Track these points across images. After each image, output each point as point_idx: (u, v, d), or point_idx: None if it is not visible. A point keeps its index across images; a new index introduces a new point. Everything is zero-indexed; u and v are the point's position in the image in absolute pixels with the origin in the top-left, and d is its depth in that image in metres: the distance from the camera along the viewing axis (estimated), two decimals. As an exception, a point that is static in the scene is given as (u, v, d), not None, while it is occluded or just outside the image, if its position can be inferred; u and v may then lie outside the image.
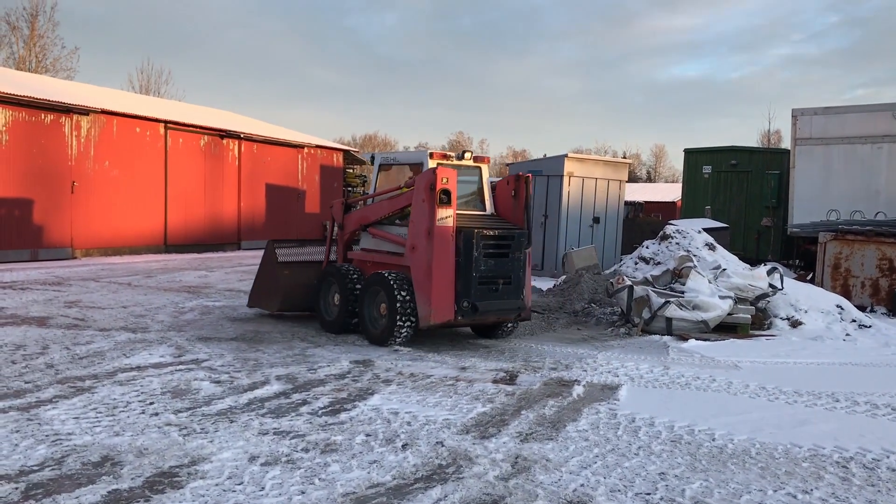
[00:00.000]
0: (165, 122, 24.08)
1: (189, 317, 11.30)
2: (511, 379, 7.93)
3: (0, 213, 18.70)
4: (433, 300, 9.34)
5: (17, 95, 19.13)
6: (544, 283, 16.26)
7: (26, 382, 7.03)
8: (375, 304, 9.93)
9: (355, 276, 10.46)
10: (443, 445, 5.61)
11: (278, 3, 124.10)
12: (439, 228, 9.31)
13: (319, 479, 4.89)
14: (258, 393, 7.00)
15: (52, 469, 4.87)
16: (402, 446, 5.57)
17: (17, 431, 5.58)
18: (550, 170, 19.88)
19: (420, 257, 9.51)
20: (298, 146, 30.26)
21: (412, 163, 10.71)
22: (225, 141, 26.54)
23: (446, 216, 9.34)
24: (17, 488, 4.53)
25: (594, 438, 5.98)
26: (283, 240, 12.04)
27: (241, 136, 27.11)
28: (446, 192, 9.32)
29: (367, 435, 5.81)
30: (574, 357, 9.27)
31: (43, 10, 43.47)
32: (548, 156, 21.47)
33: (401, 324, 9.48)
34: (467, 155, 10.45)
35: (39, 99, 19.76)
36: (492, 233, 9.65)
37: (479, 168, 10.58)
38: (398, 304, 9.44)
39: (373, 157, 11.47)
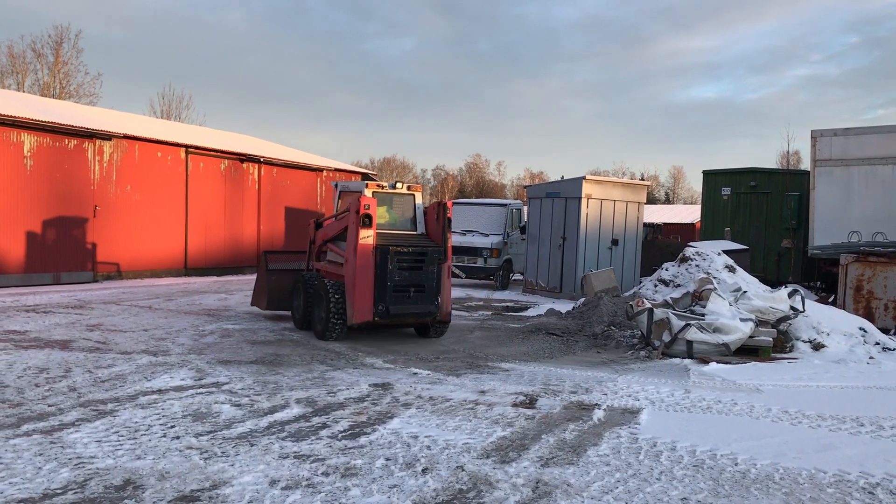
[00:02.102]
0: (186, 146, 24.35)
1: (209, 340, 11.36)
2: (531, 402, 7.90)
3: (24, 237, 18.94)
4: (356, 304, 11.36)
5: (41, 121, 19.44)
6: (563, 306, 16.22)
7: (49, 405, 7.09)
8: (320, 306, 11.93)
9: (315, 282, 12.33)
10: (463, 470, 5.59)
11: (297, 28, 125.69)
12: (361, 245, 11.39)
13: (340, 503, 4.88)
14: (278, 416, 7.01)
15: (75, 493, 4.90)
16: (422, 471, 5.56)
17: (41, 455, 5.62)
18: (569, 192, 19.89)
19: (349, 269, 11.57)
20: (317, 169, 30.46)
21: (357, 191, 12.59)
22: (245, 165, 26.78)
23: (367, 236, 11.42)
24: (40, 512, 4.56)
25: (615, 463, 5.94)
26: (275, 251, 14.40)
27: (261, 159, 27.34)
28: (367, 217, 11.42)
29: (387, 459, 5.80)
30: (594, 380, 9.23)
31: (67, 38, 44.37)
32: (565, 178, 21.50)
33: (334, 322, 11.57)
34: (399, 185, 12.44)
35: (63, 124, 20.06)
36: (406, 249, 11.60)
37: (413, 195, 12.61)
38: (332, 306, 11.55)
39: (336, 185, 13.65)
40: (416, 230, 12.43)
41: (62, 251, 19.94)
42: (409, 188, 12.56)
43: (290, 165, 29.07)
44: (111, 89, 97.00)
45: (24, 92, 39.61)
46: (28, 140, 19.12)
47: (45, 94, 41.21)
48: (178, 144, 24.05)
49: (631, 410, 7.70)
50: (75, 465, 5.42)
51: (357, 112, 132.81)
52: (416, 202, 12.60)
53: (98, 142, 21.02)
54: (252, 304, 14.68)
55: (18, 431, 6.18)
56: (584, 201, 19.43)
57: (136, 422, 6.62)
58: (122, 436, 6.19)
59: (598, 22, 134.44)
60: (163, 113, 51.26)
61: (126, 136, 21.95)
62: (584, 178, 19.85)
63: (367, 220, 11.43)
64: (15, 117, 18.69)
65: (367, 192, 12.00)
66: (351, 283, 11.44)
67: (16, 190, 18.76)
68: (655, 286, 14.96)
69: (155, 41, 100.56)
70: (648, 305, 11.54)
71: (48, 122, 19.65)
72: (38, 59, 43.88)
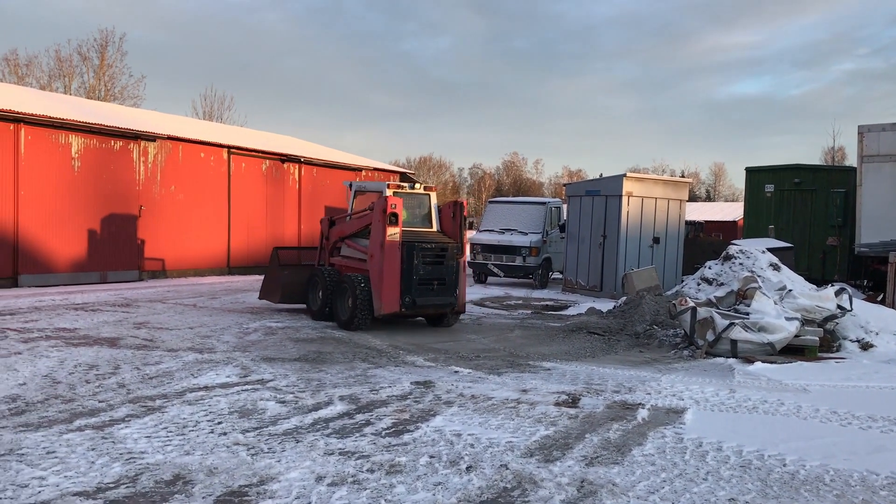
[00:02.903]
0: (229, 147, 24.68)
1: (253, 337, 11.50)
2: (573, 402, 7.87)
3: (72, 237, 19.37)
4: (383, 296, 12.36)
5: (88, 123, 19.85)
6: (604, 305, 16.12)
7: (100, 402, 7.24)
8: (344, 298, 12.84)
9: (334, 277, 13.41)
10: (507, 468, 5.59)
11: (334, 29, 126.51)
12: (389, 242, 12.31)
13: (386, 500, 4.92)
14: (322, 413, 7.08)
15: (127, 487, 5.00)
16: (467, 468, 5.57)
17: (93, 449, 5.75)
18: (609, 190, 19.75)
19: (375, 264, 12.51)
20: (356, 169, 30.64)
21: (376, 191, 13.63)
22: (286, 165, 27.05)
23: (394, 233, 12.36)
24: (94, 505, 4.66)
25: (661, 463, 5.89)
26: (285, 247, 15.05)
27: (302, 159, 27.60)
28: (394, 215, 12.36)
29: (431, 456, 5.82)
30: (637, 380, 9.16)
31: (112, 41, 45.23)
32: (604, 175, 21.34)
33: (361, 313, 12.44)
34: (417, 185, 13.51)
35: (110, 126, 20.46)
36: (429, 245, 12.66)
37: (428, 195, 13.59)
38: (358, 299, 12.39)
39: (350, 185, 14.57)
40: (432, 227, 13.43)
41: (108, 250, 20.34)
42: (425, 188, 13.68)
43: (330, 165, 29.29)
44: (154, 91, 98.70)
45: (70, 95, 40.49)
46: (76, 142, 19.54)
47: (91, 97, 42.05)
48: (220, 145, 24.38)
49: (675, 410, 7.63)
50: (126, 459, 5.53)
51: (394, 112, 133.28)
52: (432, 201, 13.61)
53: (143, 143, 21.40)
54: (261, 298, 15.16)
55: (71, 426, 6.33)
56: (624, 199, 19.28)
57: (184, 418, 6.74)
58: (171, 431, 6.30)
59: (636, 18, 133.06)
60: (205, 114, 52.03)
61: (170, 137, 22.32)
62: (624, 175, 19.70)
63: (393, 219, 12.35)
64: (63, 119, 19.12)
65: (388, 192, 12.91)
66: (378, 277, 12.39)
67: (64, 191, 19.19)
68: (698, 285, 14.79)
69: (196, 43, 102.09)
70: (692, 304, 11.41)
71: (95, 123, 20.07)
72: (84, 63, 44.84)
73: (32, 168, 18.41)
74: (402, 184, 13.42)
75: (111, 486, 5.01)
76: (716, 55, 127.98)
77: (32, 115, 18.36)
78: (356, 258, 13.44)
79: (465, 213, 13.16)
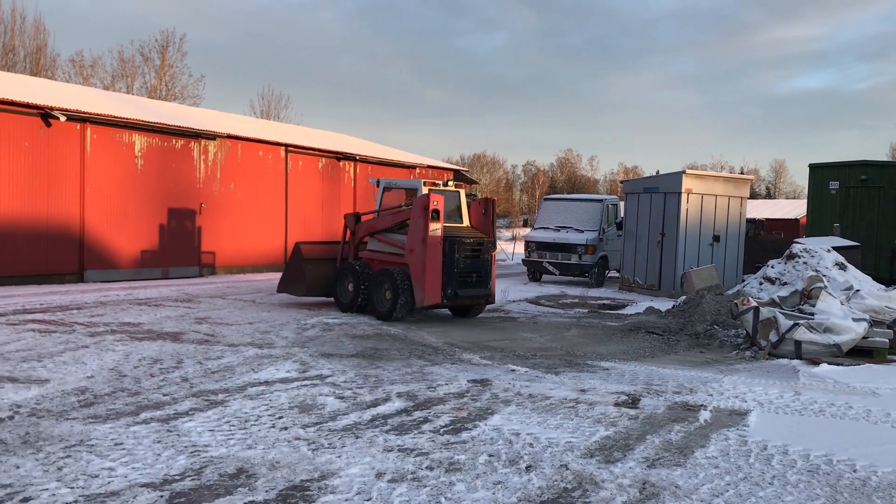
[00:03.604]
0: (286, 145, 25.00)
1: (311, 333, 11.63)
2: (633, 402, 7.76)
3: (135, 233, 19.85)
4: (426, 288, 12.92)
5: (151, 122, 20.32)
6: (662, 304, 15.87)
7: (164, 395, 7.40)
8: (382, 291, 13.40)
9: (365, 270, 13.94)
10: (567, 468, 5.53)
11: (389, 27, 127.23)
12: (431, 237, 12.89)
13: (445, 497, 4.91)
14: (380, 410, 7.11)
15: (192, 479, 5.09)
16: (526, 468, 5.53)
17: (159, 442, 5.87)
18: (667, 187, 19.43)
19: (417, 258, 13.06)
20: (411, 167, 30.76)
21: (410, 188, 14.58)
22: (341, 163, 27.30)
23: (436, 228, 12.95)
24: (161, 496, 4.75)
25: (725, 466, 5.76)
26: (307, 241, 15.70)
27: (357, 157, 27.81)
28: (436, 212, 12.95)
29: (490, 455, 5.80)
30: (698, 381, 8.99)
31: (173, 42, 46.20)
32: (661, 172, 21.00)
33: (401, 305, 13.05)
34: (450, 183, 14.29)
35: (171, 125, 20.91)
36: (469, 240, 13.37)
37: (458, 192, 14.24)
38: (400, 291, 12.99)
39: (378, 182, 15.06)
40: (463, 223, 14.08)
41: (170, 247, 20.80)
42: (455, 186, 14.43)
43: (384, 163, 29.46)
44: (213, 91, 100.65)
45: (133, 94, 41.51)
46: (139, 141, 20.02)
47: (153, 97, 43.03)
48: (278, 143, 24.71)
49: (738, 412, 7.46)
50: (191, 452, 5.64)
51: (448, 109, 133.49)
52: (462, 198, 14.28)
53: (203, 141, 21.82)
54: (280, 291, 15.34)
55: (137, 419, 6.48)
56: (683, 196, 18.95)
57: (246, 412, 6.84)
58: (234, 426, 6.40)
59: (695, 12, 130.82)
60: (262, 113, 52.83)
61: (229, 136, 22.70)
62: (683, 172, 19.37)
63: (436, 215, 12.97)
64: (127, 119, 19.60)
65: (424, 189, 13.58)
66: (420, 270, 12.99)
67: (128, 189, 19.68)
68: (760, 284, 14.47)
69: (253, 43, 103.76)
70: (754, 304, 11.16)
71: (157, 123, 20.53)
72: (145, 63, 45.89)
73: (97, 166, 18.93)
74: (436, 182, 14.04)
75: (177, 478, 5.10)
76: (777, 49, 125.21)
77: (98, 114, 18.87)
78: (388, 252, 13.98)
79: (496, 210, 13.89)
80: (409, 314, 13.44)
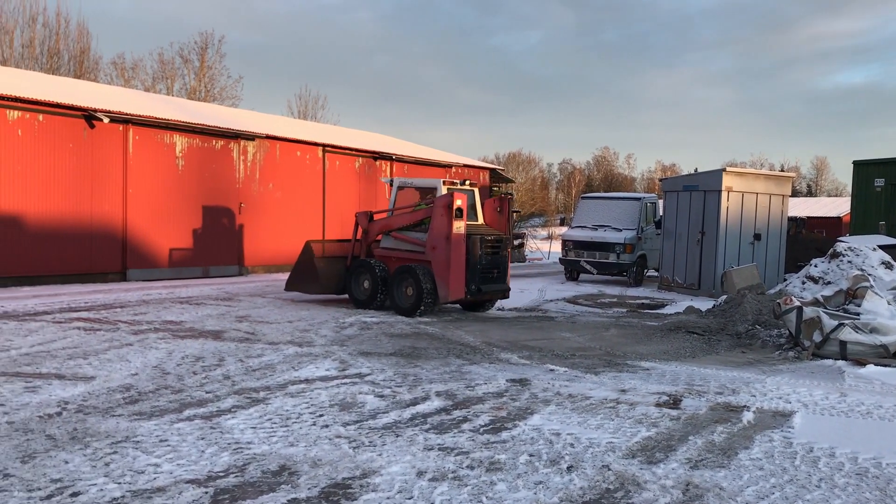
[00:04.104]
0: (323, 145, 25.19)
1: (349, 332, 11.70)
2: (675, 403, 7.67)
3: (176, 233, 20.15)
4: (451, 284, 13.35)
5: (191, 123, 20.62)
6: (702, 304, 15.69)
7: (207, 392, 7.50)
8: (403, 287, 13.78)
9: (382, 267, 14.19)
10: (609, 469, 5.49)
11: (424, 26, 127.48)
12: (455, 234, 13.31)
13: (487, 497, 4.90)
14: (420, 408, 7.13)
15: (236, 476, 5.15)
16: (567, 468, 5.50)
17: (202, 439, 5.95)
18: (707, 185, 19.20)
19: (440, 254, 13.46)
20: (446, 166, 30.79)
21: (428, 187, 14.78)
22: (378, 162, 27.42)
23: (460, 226, 13.35)
24: (206, 493, 4.82)
25: (769, 468, 5.67)
26: (317, 240, 15.70)
27: (393, 157, 27.91)
28: (460, 210, 13.33)
29: (531, 455, 5.77)
30: (740, 381, 8.86)
31: (212, 43, 46.79)
32: (699, 170, 20.75)
33: (425, 300, 13.43)
34: (467, 182, 14.56)
35: (211, 126, 21.19)
36: (489, 237, 13.95)
37: (473, 191, 14.60)
38: (424, 287, 13.37)
39: (391, 181, 15.41)
40: (478, 220, 14.51)
41: (210, 246, 21.08)
42: (470, 184, 14.68)
43: (420, 162, 29.52)
44: (251, 92, 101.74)
45: (173, 96, 42.12)
46: (180, 141, 20.32)
47: (192, 98, 43.62)
48: (315, 143, 24.91)
49: (782, 413, 7.34)
50: (234, 449, 5.70)
51: (483, 107, 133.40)
52: (476, 197, 14.65)
53: (242, 142, 22.07)
54: (289, 290, 15.47)
55: (181, 416, 6.57)
56: (724, 194, 18.70)
57: (287, 410, 6.90)
58: (275, 423, 6.46)
59: (735, 7, 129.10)
60: (300, 113, 53.27)
61: (268, 137, 22.94)
62: (724, 169, 19.11)
63: (459, 213, 13.36)
64: (168, 120, 19.91)
65: (443, 189, 14.01)
66: (444, 267, 13.39)
67: (169, 189, 19.99)
68: (803, 283, 14.23)
69: (290, 44, 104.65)
70: (797, 303, 10.97)
71: (198, 124, 20.82)
72: (185, 65, 46.50)
73: (139, 167, 19.25)
74: (454, 181, 14.43)
75: (221, 474, 5.17)
76: (819, 44, 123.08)
77: (140, 116, 19.18)
78: (406, 249, 14.28)
79: (511, 208, 14.48)
80: (433, 310, 13.83)
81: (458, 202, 13.32)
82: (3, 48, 36.43)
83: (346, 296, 15.07)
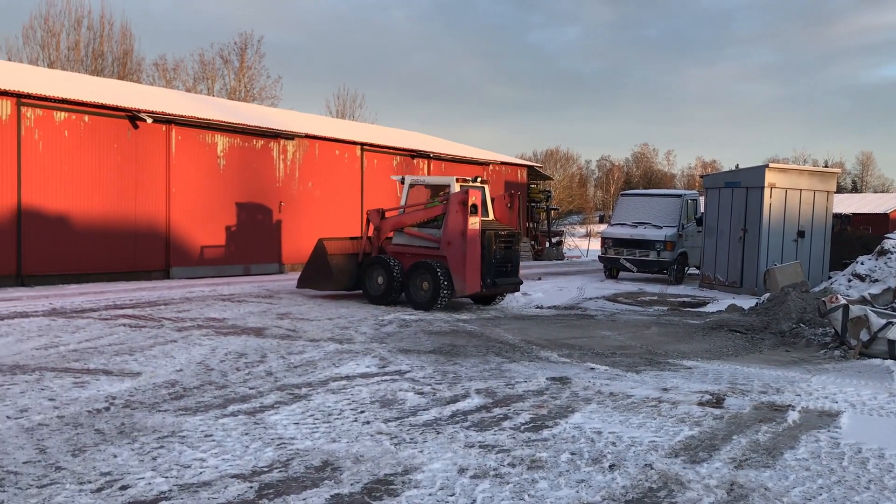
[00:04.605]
0: (362, 144, 25.34)
1: (388, 329, 11.76)
2: (718, 402, 7.58)
3: (217, 231, 20.44)
4: (467, 278, 13.73)
5: (233, 123, 20.88)
6: (745, 302, 15.46)
7: (250, 388, 7.60)
8: (419, 282, 14.11)
9: (396, 263, 14.49)
10: (652, 468, 5.45)
11: (461, 24, 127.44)
12: (471, 230, 13.66)
13: (529, 495, 4.90)
14: (460, 406, 7.14)
15: (280, 471, 5.21)
16: (610, 467, 5.47)
17: (247, 434, 6.03)
18: (749, 181, 18.91)
19: (456, 250, 13.81)
20: (484, 163, 30.77)
21: (441, 185, 15.11)
22: (415, 160, 27.49)
23: (475, 222, 13.71)
24: (251, 487, 4.88)
25: (816, 468, 5.58)
26: (329, 238, 15.86)
27: (431, 155, 27.97)
28: (475, 206, 13.71)
29: (572, 453, 5.75)
30: (785, 380, 8.73)
31: (251, 44, 47.27)
32: (741, 166, 20.43)
33: (442, 295, 13.78)
34: (479, 179, 14.92)
35: (252, 126, 21.44)
36: (503, 233, 14.31)
37: (484, 187, 14.87)
38: (441, 281, 13.71)
39: (403, 179, 15.75)
40: (489, 216, 14.77)
41: (251, 244, 21.34)
42: (481, 182, 14.97)
43: (457, 160, 29.55)
44: (290, 91, 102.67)
45: (213, 96, 42.68)
46: (221, 141, 20.59)
47: (232, 98, 44.14)
48: (353, 142, 25.07)
49: (829, 413, 7.22)
50: (278, 445, 5.77)
51: (521, 105, 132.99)
52: (487, 193, 14.91)
53: (282, 141, 22.30)
54: (301, 287, 15.75)
55: (226, 412, 6.67)
56: (766, 191, 18.40)
57: (329, 406, 6.96)
58: (317, 419, 6.53)
59: (776, 0, 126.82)
60: (338, 112, 53.60)
61: (307, 136, 23.14)
62: (766, 166, 18.82)
63: (474, 209, 13.71)
64: (210, 120, 20.19)
65: (456, 186, 14.26)
66: (461, 262, 13.75)
67: (211, 188, 20.27)
68: (849, 281, 13.97)
69: (328, 43, 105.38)
70: (843, 301, 10.76)
71: (239, 123, 21.09)
72: (225, 65, 47.08)
73: (182, 166, 19.55)
74: (466, 178, 14.79)
75: (265, 469, 5.23)
76: (864, 36, 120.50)
77: (182, 116, 19.48)
78: (419, 245, 14.66)
79: (521, 204, 14.79)
80: (448, 304, 14.25)
81: (472, 199, 13.65)
82: (49, 51, 37.27)
83: (358, 292, 15.40)
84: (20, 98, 16.41)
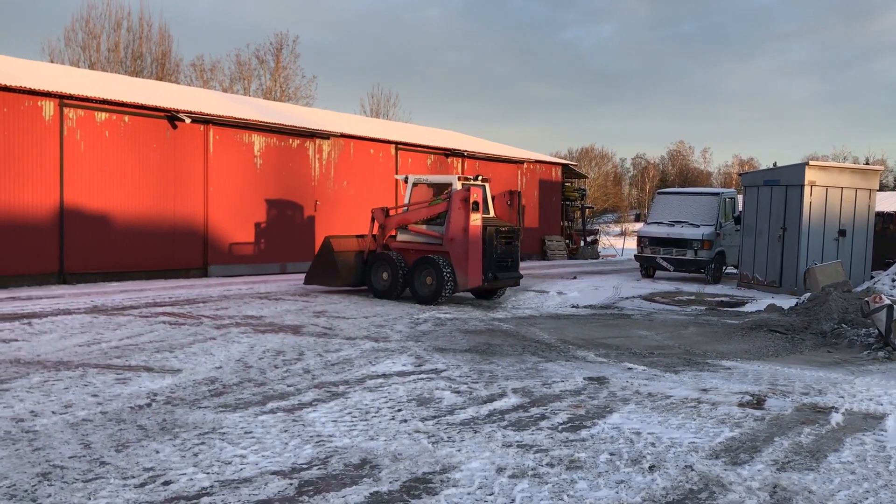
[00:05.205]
0: (396, 143, 25.39)
1: (424, 328, 11.77)
2: (758, 403, 7.47)
3: (255, 230, 20.63)
4: (470, 273, 14.31)
5: (269, 123, 21.05)
6: (784, 301, 15.23)
7: (288, 386, 7.66)
8: (423, 277, 14.67)
9: (401, 259, 15.07)
10: (692, 469, 5.38)
11: (494, 22, 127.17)
12: (473, 227, 14.21)
13: (568, 495, 4.87)
14: (497, 405, 7.13)
15: (319, 468, 5.24)
16: (649, 468, 5.42)
17: (286, 431, 6.08)
18: (789, 179, 18.61)
19: (459, 246, 14.37)
20: (518, 162, 30.66)
21: (444, 183, 15.52)
22: (449, 159, 27.49)
23: (476, 219, 14.27)
24: (291, 484, 4.92)
25: (861, 472, 5.47)
26: (335, 235, 16.47)
27: (465, 153, 27.94)
28: (476, 204, 14.27)
29: (611, 454, 5.71)
30: (827, 382, 8.58)
31: (286, 44, 47.58)
32: (779, 164, 20.15)
33: (445, 289, 14.34)
34: (479, 178, 15.44)
35: (288, 125, 21.60)
36: (504, 229, 14.91)
37: (485, 185, 15.31)
38: (445, 276, 14.28)
39: (406, 178, 16.26)
40: (489, 213, 15.24)
41: (287, 243, 21.50)
42: (482, 180, 15.42)
43: (492, 158, 29.48)
44: (324, 91, 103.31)
45: (249, 96, 43.09)
46: (258, 141, 20.78)
47: (268, 98, 44.48)
48: (388, 141, 25.12)
49: (874, 416, 7.08)
50: (316, 442, 5.81)
51: (555, 102, 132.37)
52: (488, 191, 15.33)
53: (318, 141, 22.43)
54: (308, 284, 16.33)
55: (265, 409, 6.73)
56: (807, 189, 18.10)
57: (366, 404, 6.99)
58: (355, 417, 6.56)
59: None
60: (372, 111, 53.74)
61: (342, 135, 23.25)
62: (807, 163, 18.51)
63: (476, 206, 14.26)
64: (246, 120, 20.38)
65: (458, 184, 14.80)
66: (463, 257, 14.32)
67: (248, 187, 20.46)
68: (893, 280, 13.70)
69: (361, 43, 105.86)
70: (887, 301, 10.55)
71: (275, 123, 21.25)
72: (261, 66, 47.41)
73: (219, 166, 19.76)
74: (468, 177, 15.32)
75: (304, 466, 5.27)
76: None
77: (220, 116, 19.69)
78: (422, 242, 15.21)
79: (523, 203, 15.36)
80: (450, 297, 14.86)
81: (474, 196, 14.19)
82: (90, 52, 37.90)
83: (363, 288, 15.95)
84: (62, 99, 16.71)
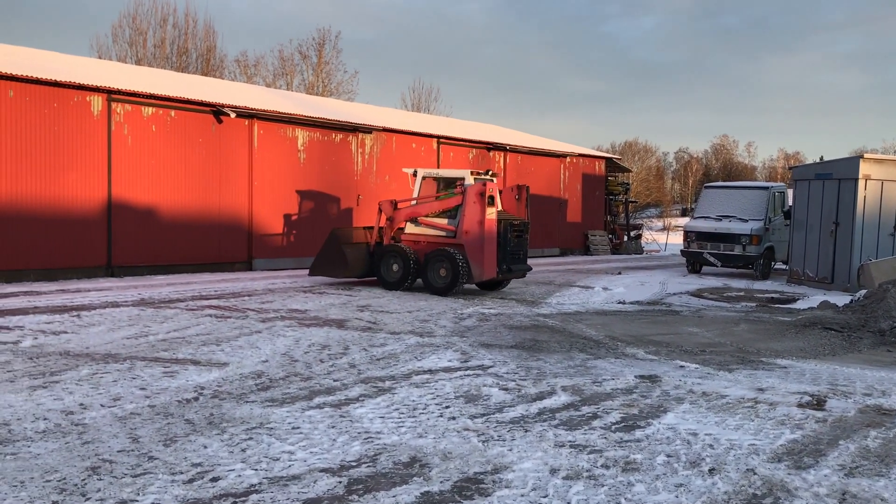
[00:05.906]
0: (438, 137, 25.28)
1: (468, 323, 11.64)
2: (819, 404, 7.19)
3: (297, 224, 20.69)
4: (485, 265, 14.66)
5: (312, 117, 21.08)
6: (837, 298, 14.80)
7: (334, 381, 7.58)
8: (437, 269, 14.97)
9: (411, 252, 15.32)
10: (755, 473, 5.17)
11: (534, 15, 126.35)
12: (488, 220, 14.59)
13: (626, 498, 4.70)
14: (547, 403, 6.96)
15: (368, 466, 5.14)
16: (709, 471, 5.21)
17: (333, 427, 5.99)
18: (842, 173, 18.08)
19: (474, 238, 14.70)
20: (561, 156, 30.35)
21: (454, 178, 15.67)
22: (491, 153, 27.30)
23: (491, 212, 14.65)
24: (340, 482, 4.82)
25: (935, 479, 5.20)
26: (341, 227, 17.06)
27: (507, 147, 27.73)
28: (492, 198, 14.68)
29: (668, 456, 5.51)
30: (890, 382, 8.25)
31: (329, 39, 47.80)
32: (825, 158, 19.57)
33: (460, 280, 14.67)
34: (490, 172, 15.69)
35: (331, 120, 21.61)
36: (516, 223, 15.35)
37: (493, 180, 15.29)
38: (460, 268, 14.62)
39: (415, 172, 16.30)
40: (498, 208, 15.33)
41: (329, 237, 21.50)
42: (491, 175, 15.63)
43: (534, 152, 29.23)
44: (366, 85, 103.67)
45: (292, 91, 43.30)
46: (301, 135, 20.82)
47: (310, 93, 44.70)
48: (430, 135, 25.03)
49: (943, 419, 6.76)
50: (364, 439, 5.71)
51: (597, 96, 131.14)
52: (496, 185, 15.34)
53: (360, 135, 22.41)
54: (313, 275, 16.61)
55: (311, 404, 6.66)
56: (861, 182, 17.55)
57: (413, 400, 6.88)
58: (403, 413, 6.45)
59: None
60: (413, 105, 53.75)
61: (385, 129, 23.20)
62: (861, 156, 17.93)
63: (491, 200, 14.64)
64: (290, 114, 20.43)
65: (470, 178, 15.06)
66: (478, 249, 14.64)
67: (292, 181, 20.53)
68: (955, 278, 13.17)
69: (402, 37, 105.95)
70: (952, 300, 10.13)
71: (318, 118, 21.27)
72: (304, 61, 47.71)
73: (264, 160, 19.84)
74: (479, 171, 15.54)
75: (353, 464, 5.17)
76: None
77: (264, 111, 19.77)
78: (434, 234, 15.44)
79: (529, 196, 15.99)
80: (463, 288, 15.27)
81: (489, 190, 14.51)
82: (137, 48, 38.45)
83: (371, 279, 16.16)
84: (110, 94, 16.89)
